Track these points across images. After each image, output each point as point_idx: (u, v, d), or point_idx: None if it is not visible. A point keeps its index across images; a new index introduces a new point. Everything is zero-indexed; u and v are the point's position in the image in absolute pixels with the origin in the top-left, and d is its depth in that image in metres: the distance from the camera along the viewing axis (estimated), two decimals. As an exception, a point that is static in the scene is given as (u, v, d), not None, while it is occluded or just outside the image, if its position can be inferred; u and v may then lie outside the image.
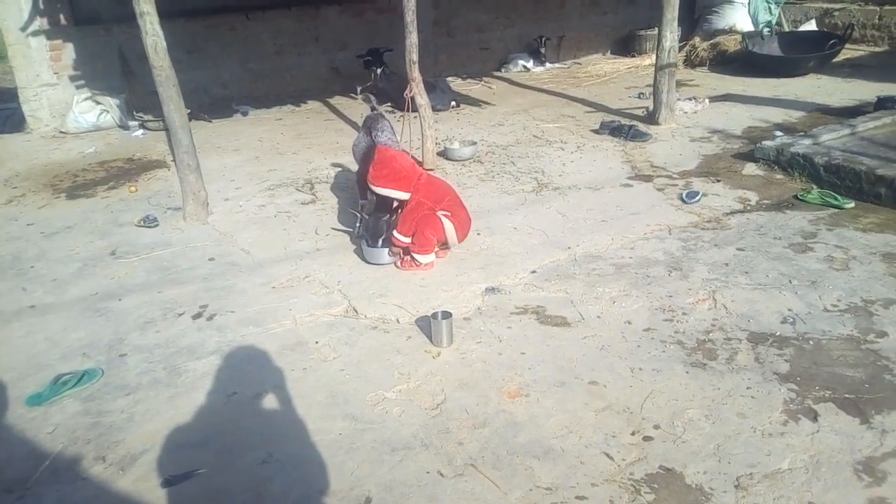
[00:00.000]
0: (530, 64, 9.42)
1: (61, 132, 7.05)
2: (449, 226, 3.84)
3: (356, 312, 3.41)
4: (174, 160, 4.78)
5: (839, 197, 4.38)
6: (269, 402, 2.77)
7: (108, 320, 3.46)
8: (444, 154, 5.79)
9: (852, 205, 4.31)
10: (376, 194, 3.90)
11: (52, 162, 6.19)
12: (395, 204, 3.93)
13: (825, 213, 4.26)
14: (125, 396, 2.84)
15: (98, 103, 7.10)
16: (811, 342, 2.97)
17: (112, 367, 3.05)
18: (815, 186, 4.61)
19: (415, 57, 5.23)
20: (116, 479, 2.40)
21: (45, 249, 4.35)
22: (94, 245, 4.37)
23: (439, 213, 3.82)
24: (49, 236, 4.55)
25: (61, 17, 7.07)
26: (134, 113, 7.18)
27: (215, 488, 2.33)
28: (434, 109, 6.08)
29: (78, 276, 3.97)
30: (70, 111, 7.02)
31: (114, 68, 7.33)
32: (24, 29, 6.89)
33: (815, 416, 2.51)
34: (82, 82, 7.29)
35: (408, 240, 3.78)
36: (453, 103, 7.51)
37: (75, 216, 4.88)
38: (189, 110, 4.71)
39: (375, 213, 3.93)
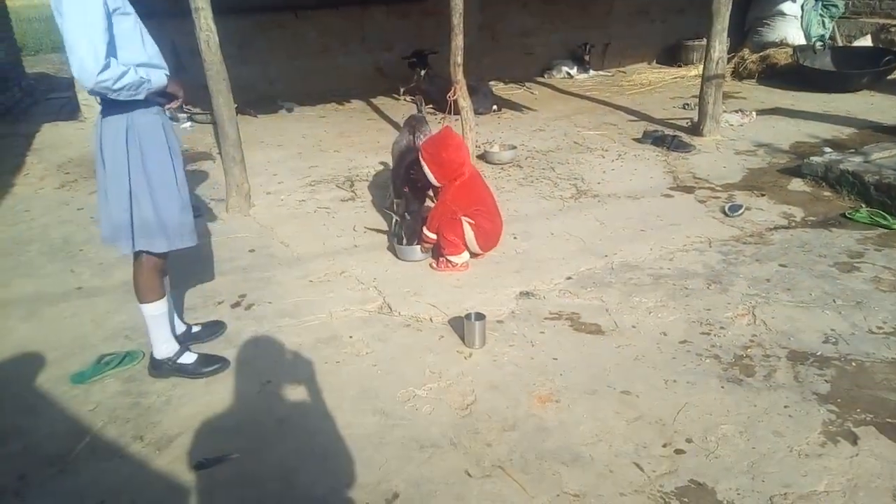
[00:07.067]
0: (574, 71, 9.39)
1: (113, 122, 7.26)
2: (469, 232, 3.82)
3: (391, 309, 3.44)
4: (220, 153, 4.89)
5: (889, 217, 4.25)
6: (302, 393, 2.81)
7: (150, 305, 3.55)
8: (483, 157, 5.79)
9: (903, 225, 4.19)
10: (412, 172, 3.96)
11: (104, 150, 6.38)
12: (430, 190, 4.02)
13: (874, 233, 4.14)
14: (164, 380, 2.92)
15: (149, 95, 7.29)
16: (853, 364, 2.89)
17: (152, 351, 3.13)
18: (864, 205, 4.48)
19: (459, 60, 5.25)
20: (152, 458, 2.46)
21: (94, 234, 4.47)
22: (140, 232, 4.49)
23: (462, 217, 3.80)
24: (98, 221, 4.69)
25: (118, 10, 7.28)
26: (183, 106, 7.35)
27: (246, 474, 2.37)
28: (476, 112, 6.10)
29: (123, 260, 4.03)
30: (122, 102, 7.22)
31: (166, 62, 7.52)
32: (83, 21, 7.12)
33: (854, 440, 2.44)
34: (135, 74, 7.48)
35: (434, 236, 3.83)
36: (495, 107, 7.52)
37: (123, 203, 5.02)
38: (235, 105, 4.81)
39: (410, 208, 3.96)
